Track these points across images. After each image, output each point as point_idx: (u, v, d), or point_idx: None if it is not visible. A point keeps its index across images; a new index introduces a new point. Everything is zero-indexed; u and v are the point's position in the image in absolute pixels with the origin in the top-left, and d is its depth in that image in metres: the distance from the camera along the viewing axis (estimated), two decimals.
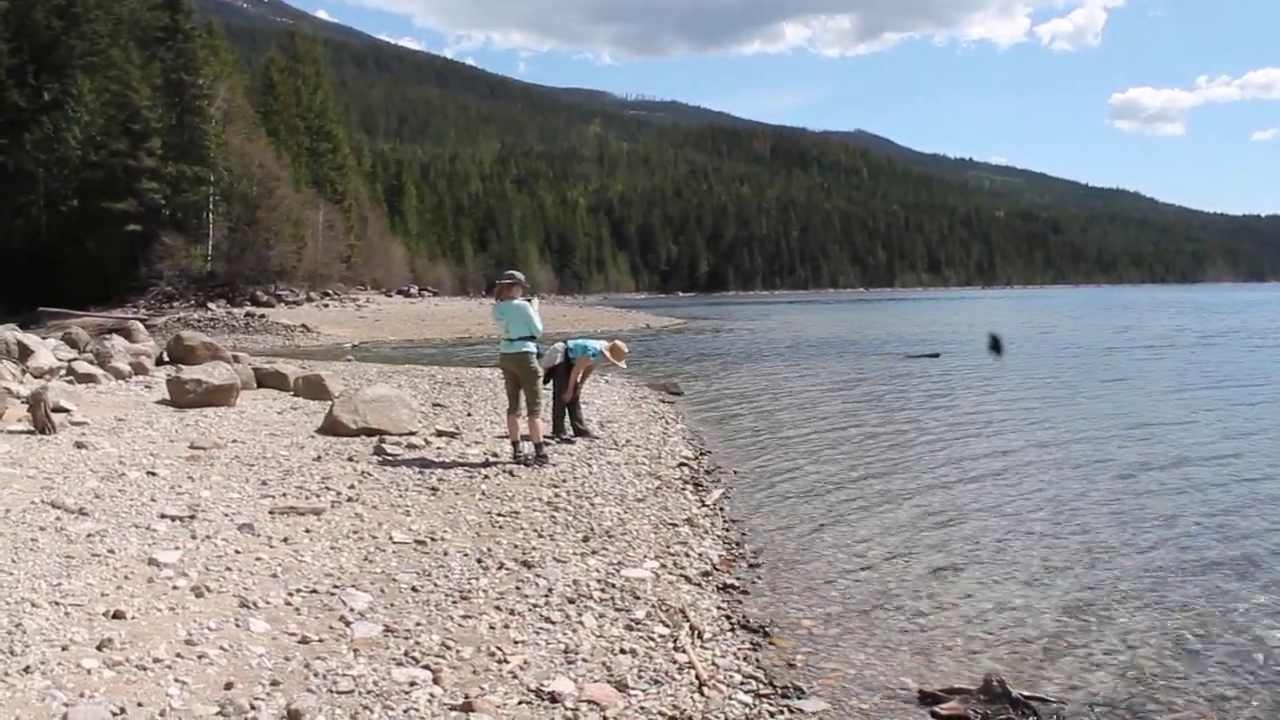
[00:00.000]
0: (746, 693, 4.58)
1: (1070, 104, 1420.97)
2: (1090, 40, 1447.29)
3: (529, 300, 9.77)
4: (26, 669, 4.15)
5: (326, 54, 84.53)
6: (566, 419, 11.31)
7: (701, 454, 10.99)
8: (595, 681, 4.51)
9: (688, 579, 6.23)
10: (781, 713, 4.40)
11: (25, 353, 14.85)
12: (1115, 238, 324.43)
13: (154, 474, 8.20)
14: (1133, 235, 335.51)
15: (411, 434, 11.00)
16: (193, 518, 6.82)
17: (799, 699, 4.56)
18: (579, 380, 11.36)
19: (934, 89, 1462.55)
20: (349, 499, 7.80)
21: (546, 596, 5.65)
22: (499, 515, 7.58)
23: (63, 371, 14.57)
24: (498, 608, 5.42)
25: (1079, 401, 16.02)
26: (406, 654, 4.69)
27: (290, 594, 5.42)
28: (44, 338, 18.73)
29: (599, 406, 13.86)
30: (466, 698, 4.21)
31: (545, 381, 11.24)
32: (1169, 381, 19.00)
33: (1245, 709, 4.54)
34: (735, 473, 10.01)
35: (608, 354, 11.40)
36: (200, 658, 4.45)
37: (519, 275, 9.98)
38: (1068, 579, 6.43)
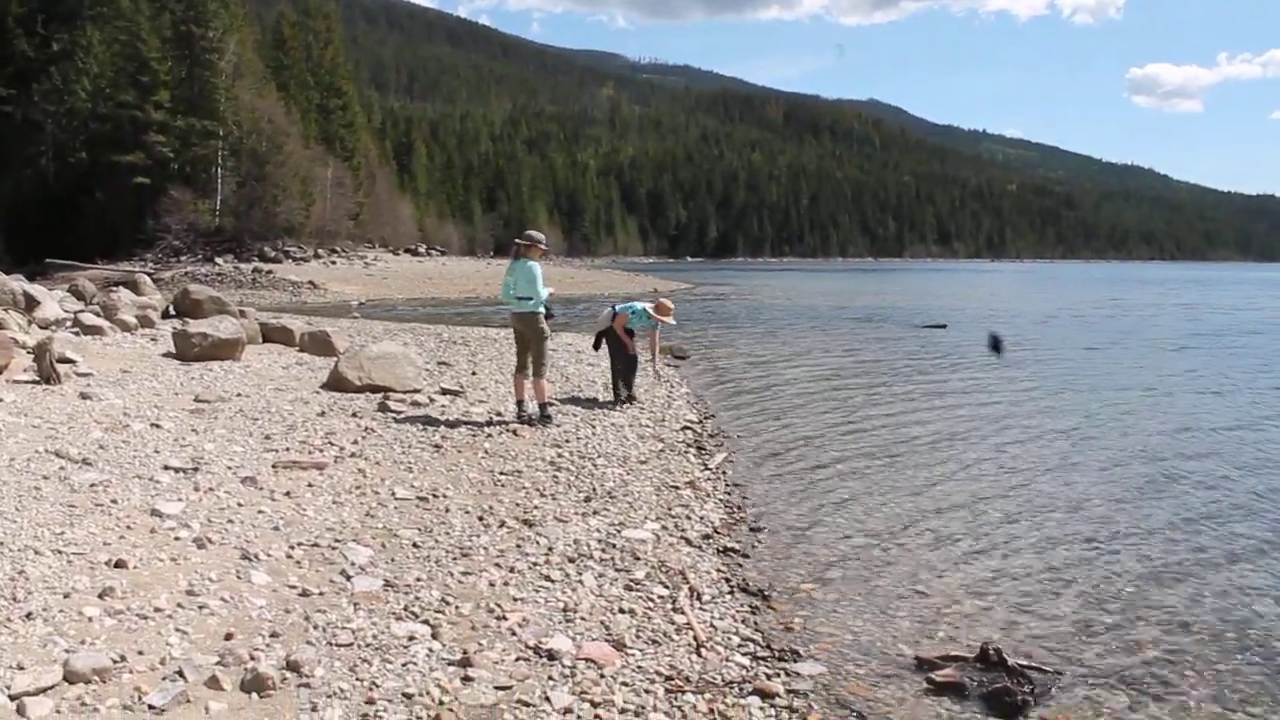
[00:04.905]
0: (744, 655, 4.59)
1: (1087, 78, 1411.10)
2: (1112, 14, 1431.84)
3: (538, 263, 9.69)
4: (29, 615, 4.19)
5: (337, 10, 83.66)
6: (624, 381, 11.28)
7: (705, 418, 10.99)
8: (593, 640, 4.53)
9: (688, 541, 6.25)
10: (778, 675, 4.42)
11: (32, 303, 14.86)
12: (1128, 214, 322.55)
13: (158, 426, 8.23)
14: (1145, 212, 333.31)
15: (416, 391, 11.01)
16: (196, 470, 6.85)
17: (795, 662, 4.58)
18: (629, 340, 11.26)
19: (950, 60, 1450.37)
20: (352, 454, 7.82)
21: (547, 555, 5.66)
22: (501, 474, 7.60)
23: (69, 323, 14.58)
24: (498, 565, 5.45)
25: (1087, 377, 15.96)
26: (406, 609, 4.72)
27: (291, 547, 5.44)
28: (50, 289, 18.74)
29: (603, 369, 13.82)
30: (465, 653, 4.23)
31: (597, 347, 11.54)
32: (1176, 356, 18.95)
33: (1242, 684, 4.54)
34: (739, 437, 10.01)
35: (653, 312, 11.36)
36: (201, 608, 4.48)
37: (539, 237, 9.87)
38: (1069, 552, 6.43)
